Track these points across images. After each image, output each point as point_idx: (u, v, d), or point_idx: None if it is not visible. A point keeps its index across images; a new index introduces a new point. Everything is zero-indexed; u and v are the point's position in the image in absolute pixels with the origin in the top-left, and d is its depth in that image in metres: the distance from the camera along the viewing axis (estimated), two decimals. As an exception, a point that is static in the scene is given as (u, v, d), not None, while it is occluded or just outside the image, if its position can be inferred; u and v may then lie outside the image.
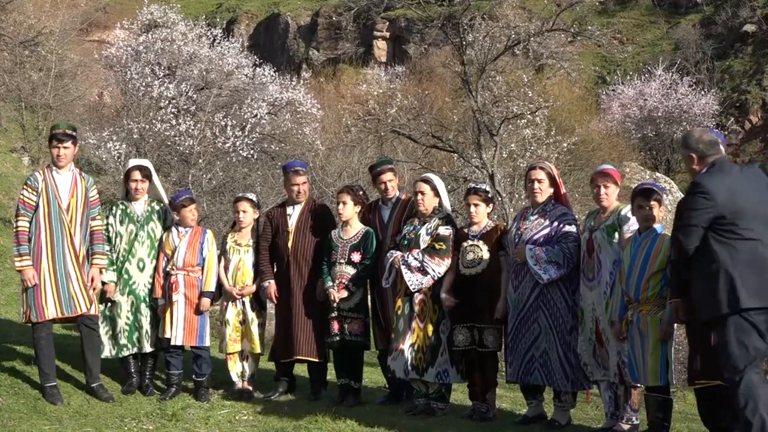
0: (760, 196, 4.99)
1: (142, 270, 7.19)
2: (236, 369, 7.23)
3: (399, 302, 6.74)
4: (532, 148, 18.55)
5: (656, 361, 5.77)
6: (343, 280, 6.94)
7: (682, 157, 5.46)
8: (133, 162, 7.64)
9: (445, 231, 6.65)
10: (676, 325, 5.88)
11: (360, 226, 7.09)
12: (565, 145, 19.60)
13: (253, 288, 7.25)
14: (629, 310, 5.87)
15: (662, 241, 5.80)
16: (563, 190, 6.63)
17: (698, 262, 5.04)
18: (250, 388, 7.23)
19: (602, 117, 31.23)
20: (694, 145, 5.15)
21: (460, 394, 7.17)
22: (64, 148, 6.83)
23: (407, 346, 6.64)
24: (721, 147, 5.23)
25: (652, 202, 5.85)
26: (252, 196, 7.51)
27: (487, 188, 6.90)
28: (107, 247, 7.08)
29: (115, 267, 7.15)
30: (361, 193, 7.25)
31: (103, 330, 7.15)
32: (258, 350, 7.29)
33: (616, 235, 6.08)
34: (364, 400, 7.08)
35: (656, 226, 5.95)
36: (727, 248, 4.88)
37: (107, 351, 7.16)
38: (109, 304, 7.16)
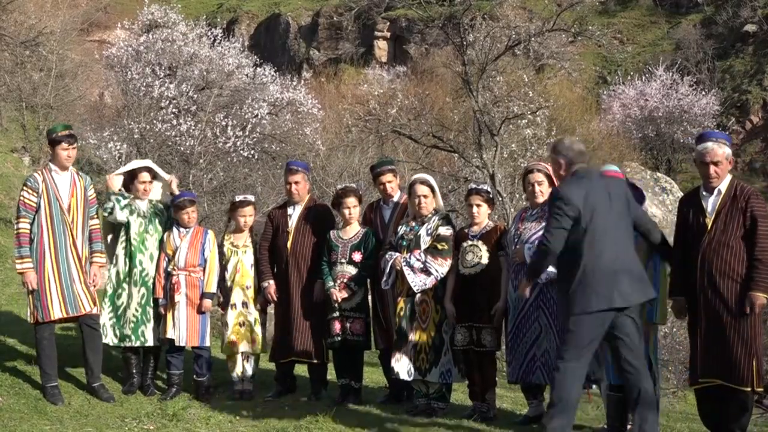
0: (608, 206, 5.20)
1: (152, 262, 7.23)
2: (237, 369, 7.23)
3: (401, 303, 6.72)
4: (533, 148, 18.56)
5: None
6: (345, 280, 6.93)
7: (551, 161, 5.59)
8: (140, 163, 7.62)
9: (446, 231, 6.65)
10: (665, 326, 5.91)
11: (359, 227, 7.09)
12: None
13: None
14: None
15: (642, 242, 5.75)
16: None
17: (563, 262, 5.27)
18: (251, 388, 7.23)
19: (603, 117, 31.24)
20: (564, 152, 5.35)
21: (460, 395, 7.16)
22: (73, 149, 6.88)
23: (410, 347, 6.65)
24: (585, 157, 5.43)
25: None
26: (253, 199, 7.51)
27: (489, 188, 6.91)
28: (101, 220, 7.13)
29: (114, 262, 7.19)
30: (360, 192, 7.29)
31: (108, 316, 7.15)
32: (260, 350, 7.29)
33: None
34: (365, 400, 7.07)
35: None
36: (586, 251, 5.11)
37: (110, 338, 7.17)
38: (120, 291, 7.17)
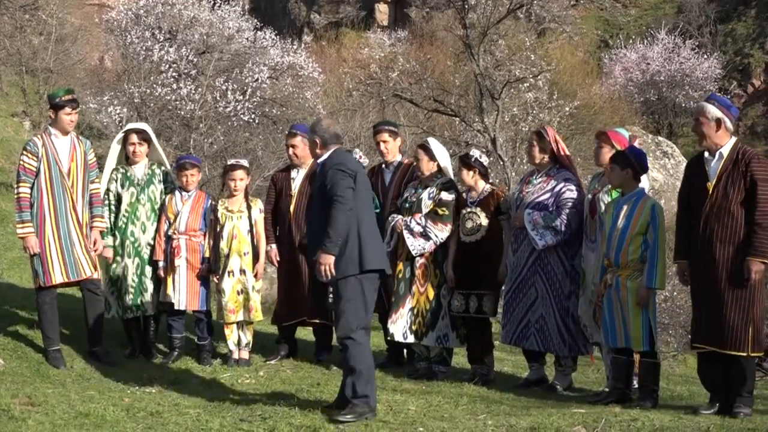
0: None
1: (144, 232, 7.21)
2: (233, 338, 7.16)
3: (400, 266, 6.75)
4: (534, 112, 18.52)
5: (638, 327, 5.80)
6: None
7: (308, 140, 5.96)
8: (129, 126, 7.60)
9: (447, 196, 6.64)
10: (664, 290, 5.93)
11: None
12: (567, 109, 19.54)
13: (261, 267, 7.22)
14: (608, 274, 5.89)
15: (644, 205, 5.81)
16: (565, 151, 6.59)
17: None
18: (247, 357, 7.19)
19: (605, 81, 31.09)
20: (321, 133, 5.66)
21: (461, 358, 7.18)
22: (75, 114, 6.87)
23: (407, 310, 6.69)
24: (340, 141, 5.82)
25: (622, 167, 5.86)
26: (245, 163, 7.41)
27: (476, 154, 6.81)
28: (107, 211, 7.09)
29: (114, 232, 7.16)
30: (359, 158, 7.15)
31: (109, 290, 7.18)
32: (260, 317, 7.27)
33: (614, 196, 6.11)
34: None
35: (640, 188, 5.95)
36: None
37: (114, 310, 7.22)
38: (114, 265, 7.17)
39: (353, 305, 5.46)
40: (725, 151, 5.60)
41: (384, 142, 7.16)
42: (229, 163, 7.40)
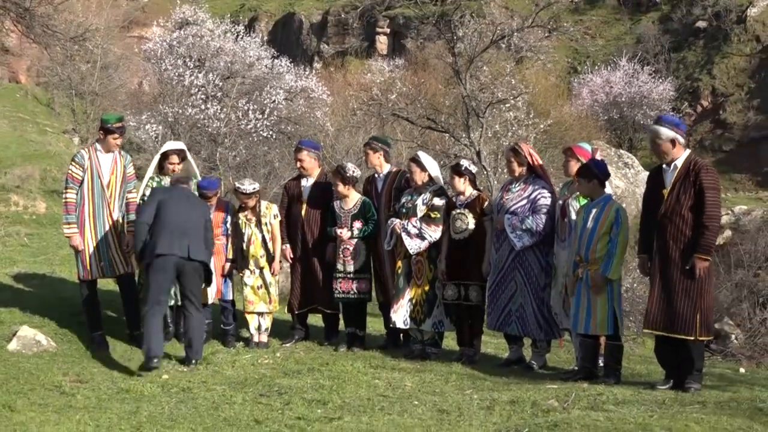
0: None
1: None
2: (254, 324, 7.16)
3: (399, 263, 6.75)
4: (514, 128, 18.47)
5: (604, 313, 5.78)
6: (348, 246, 6.91)
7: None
8: (171, 145, 7.49)
9: (439, 201, 6.65)
10: (626, 281, 5.91)
11: (357, 196, 7.02)
12: (541, 126, 19.51)
13: (277, 264, 7.19)
14: (579, 268, 5.86)
15: (610, 208, 5.81)
16: (539, 162, 6.56)
17: None
18: (266, 340, 7.18)
19: (574, 102, 31.02)
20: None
21: (450, 341, 7.17)
22: (121, 138, 6.90)
23: (406, 300, 6.69)
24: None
25: (588, 179, 5.86)
26: (252, 188, 7.11)
27: (465, 164, 6.79)
28: None
29: None
30: (351, 172, 7.07)
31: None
32: (278, 308, 7.27)
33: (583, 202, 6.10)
34: (368, 346, 7.08)
35: (607, 194, 5.94)
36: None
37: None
38: None
39: None
40: (679, 162, 5.60)
41: (365, 154, 7.20)
42: (241, 188, 7.12)
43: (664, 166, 5.69)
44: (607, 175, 6.02)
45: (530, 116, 19.14)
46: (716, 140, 31.44)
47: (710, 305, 5.59)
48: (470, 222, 6.52)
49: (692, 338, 5.49)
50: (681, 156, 5.62)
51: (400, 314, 6.69)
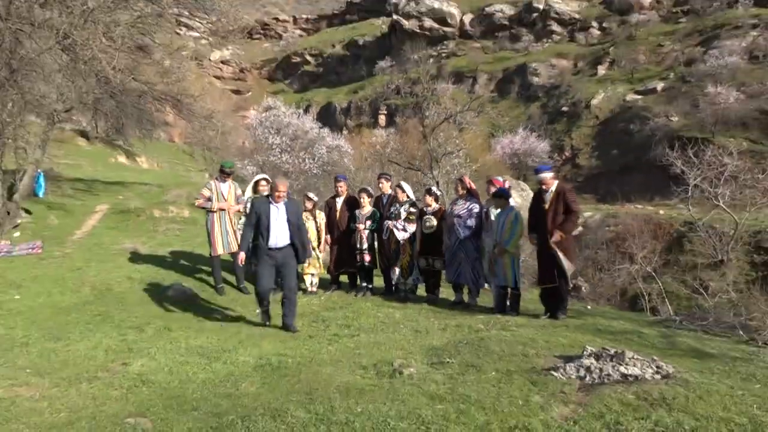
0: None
1: None
2: (308, 280, 7.04)
3: (393, 245, 6.69)
4: (458, 168, 18.43)
5: (509, 273, 5.76)
6: (363, 235, 6.85)
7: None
8: (260, 176, 7.49)
9: (413, 210, 6.63)
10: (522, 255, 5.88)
11: (370, 207, 6.98)
12: (473, 167, 19.47)
13: (323, 246, 7.08)
14: (496, 248, 5.87)
15: (512, 214, 5.81)
16: (473, 187, 6.56)
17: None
18: (315, 290, 7.05)
19: (492, 153, 31.06)
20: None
21: (421, 290, 7.13)
22: (231, 176, 6.88)
23: (398, 266, 6.64)
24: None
25: (498, 199, 5.90)
26: (313, 196, 7.20)
27: (435, 189, 6.81)
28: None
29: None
30: (371, 191, 7.13)
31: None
32: (323, 270, 7.21)
33: (497, 211, 6.07)
34: (374, 293, 7.02)
35: (510, 206, 5.93)
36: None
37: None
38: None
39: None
40: (552, 188, 5.60)
41: (382, 184, 7.12)
42: (309, 195, 7.19)
43: (543, 188, 5.69)
44: (509, 195, 6.03)
45: (467, 161, 19.11)
46: (573, 175, 31.41)
47: (568, 264, 5.54)
48: (434, 222, 6.50)
49: (555, 285, 5.48)
50: (553, 185, 5.62)
51: (396, 273, 6.71)
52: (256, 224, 5.24)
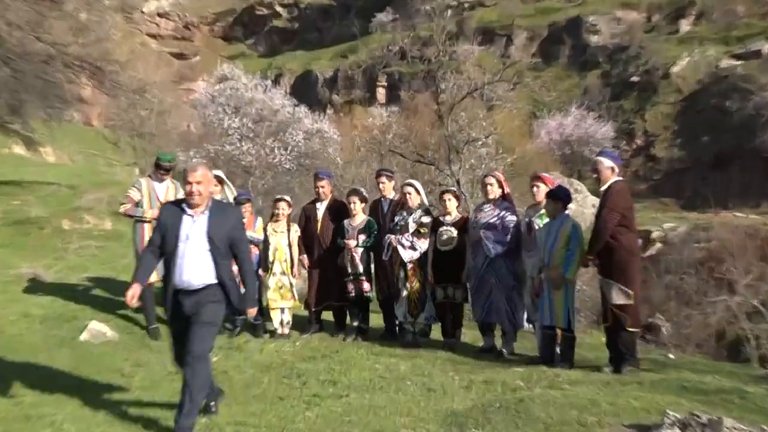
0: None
1: None
2: (277, 319, 7.08)
3: (396, 270, 6.73)
4: (486, 162, 18.49)
5: (561, 310, 5.76)
6: (354, 254, 6.86)
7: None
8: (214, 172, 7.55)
9: (427, 219, 6.67)
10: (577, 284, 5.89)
11: (363, 216, 7.01)
12: (508, 160, 19.55)
13: (296, 267, 7.13)
14: (542, 272, 5.89)
15: (567, 225, 5.83)
16: (507, 191, 6.62)
17: None
18: (287, 332, 7.09)
19: (534, 140, 31.21)
20: None
21: (436, 333, 7.13)
22: (170, 174, 6.96)
23: (405, 299, 6.69)
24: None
25: (553, 202, 5.92)
26: (288, 198, 7.39)
27: (455, 189, 6.92)
28: None
29: None
30: (366, 194, 7.21)
31: None
32: (299, 305, 7.22)
33: (546, 220, 6.09)
34: (370, 336, 7.03)
35: (565, 214, 5.95)
36: None
37: None
38: None
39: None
40: (604, 188, 5.67)
41: (382, 183, 7.15)
42: (277, 197, 7.36)
43: (600, 189, 5.73)
44: (570, 200, 6.06)
45: (499, 152, 19.18)
46: (648, 171, 31.57)
47: (636, 302, 5.55)
48: (455, 236, 6.53)
49: (607, 324, 5.54)
50: (611, 179, 5.68)
51: (401, 310, 6.73)
52: (161, 247, 4.18)
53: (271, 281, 7.07)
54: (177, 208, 4.22)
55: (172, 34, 54.31)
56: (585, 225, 5.98)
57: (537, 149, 28.91)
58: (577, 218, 6.17)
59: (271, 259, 7.09)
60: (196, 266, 4.09)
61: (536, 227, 6.16)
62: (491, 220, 6.37)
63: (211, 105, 22.36)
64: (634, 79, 36.40)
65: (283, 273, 7.07)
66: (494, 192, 6.47)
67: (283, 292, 7.06)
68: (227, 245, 4.17)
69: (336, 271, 7.02)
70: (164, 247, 4.16)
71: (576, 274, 5.92)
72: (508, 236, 6.27)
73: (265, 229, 7.15)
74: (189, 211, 4.15)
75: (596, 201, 6.14)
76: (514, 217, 6.36)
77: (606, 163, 5.66)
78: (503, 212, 6.37)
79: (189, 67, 46.31)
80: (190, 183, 4.12)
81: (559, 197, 5.93)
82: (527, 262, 6.22)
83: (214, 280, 4.11)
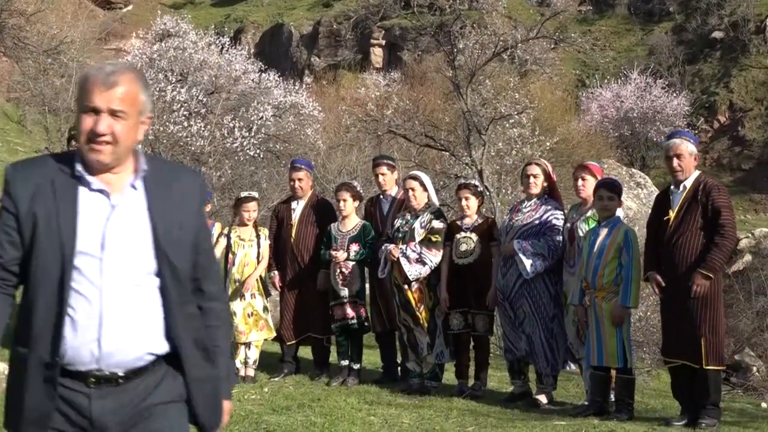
0: None
1: None
2: (240, 357, 7.08)
3: (395, 292, 6.74)
4: (518, 146, 18.55)
5: (614, 345, 5.78)
6: (344, 270, 6.89)
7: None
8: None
9: (439, 224, 6.64)
10: (639, 309, 5.91)
11: (357, 219, 7.06)
12: (548, 144, 19.61)
13: (252, 280, 7.06)
14: (586, 296, 5.89)
15: (618, 231, 5.82)
16: (554, 180, 6.63)
17: None
18: (252, 374, 7.13)
19: (582, 117, 31.26)
20: None
21: (450, 374, 7.18)
22: None
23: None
24: None
25: (611, 194, 5.89)
26: (257, 195, 7.41)
27: (477, 183, 6.90)
28: None
29: None
30: (359, 188, 7.24)
31: None
32: (273, 335, 7.22)
33: (593, 225, 6.12)
34: (363, 380, 7.07)
35: (616, 216, 5.99)
36: None
37: None
38: None
39: None
40: (688, 183, 5.68)
41: (382, 174, 7.16)
42: (242, 195, 7.34)
43: (672, 187, 5.76)
44: (619, 190, 6.09)
45: (535, 133, 19.24)
46: (734, 158, 31.62)
47: (719, 332, 5.60)
48: (476, 246, 6.53)
49: (698, 367, 5.49)
50: (691, 176, 5.70)
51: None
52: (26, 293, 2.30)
53: (238, 307, 7.01)
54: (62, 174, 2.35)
55: (95, -24, 54.30)
56: (641, 230, 6.01)
57: (586, 129, 28.99)
58: (640, 221, 6.24)
59: (237, 276, 7.07)
60: (124, 315, 2.25)
61: (580, 234, 6.17)
62: (529, 225, 6.37)
63: (149, 71, 22.38)
64: (717, 35, 36.46)
65: (253, 295, 7.07)
66: (538, 185, 6.46)
67: (253, 321, 7.06)
68: (186, 279, 2.38)
69: (318, 292, 7.07)
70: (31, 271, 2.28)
71: (638, 301, 5.97)
72: (552, 248, 6.28)
73: (228, 237, 7.15)
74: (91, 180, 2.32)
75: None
76: (560, 220, 6.37)
77: (689, 147, 5.71)
78: (548, 213, 6.38)
79: (119, 20, 46.35)
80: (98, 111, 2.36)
81: (615, 189, 5.95)
82: (569, 281, 6.23)
83: (164, 349, 2.33)
